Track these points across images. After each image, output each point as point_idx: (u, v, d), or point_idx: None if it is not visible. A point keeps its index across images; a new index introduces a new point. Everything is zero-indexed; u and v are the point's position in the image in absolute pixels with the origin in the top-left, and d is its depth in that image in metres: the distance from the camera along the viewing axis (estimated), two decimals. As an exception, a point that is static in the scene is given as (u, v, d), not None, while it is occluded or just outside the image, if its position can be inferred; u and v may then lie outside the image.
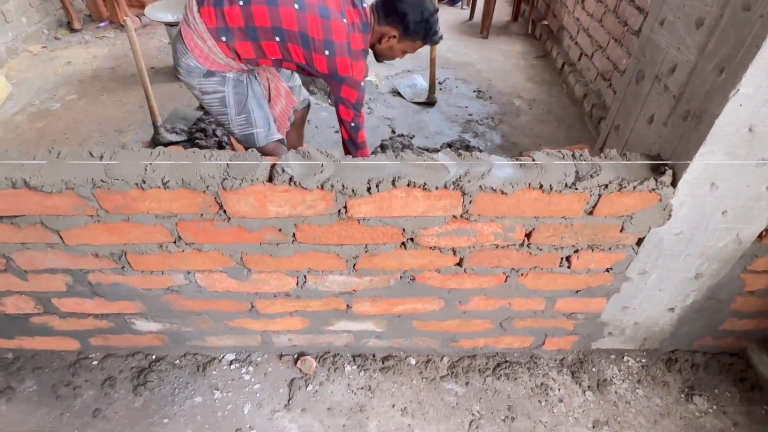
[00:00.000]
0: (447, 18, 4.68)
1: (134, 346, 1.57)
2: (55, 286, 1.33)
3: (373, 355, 1.60)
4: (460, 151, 1.13)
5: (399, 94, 3.28)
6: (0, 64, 3.39)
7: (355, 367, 1.57)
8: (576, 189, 1.07)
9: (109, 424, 1.41)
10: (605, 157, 1.13)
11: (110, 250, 1.22)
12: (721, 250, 1.25)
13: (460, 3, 5.01)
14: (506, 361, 1.60)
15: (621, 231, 1.18)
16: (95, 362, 1.57)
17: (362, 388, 1.51)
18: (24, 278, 1.30)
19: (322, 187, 1.06)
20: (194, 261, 1.25)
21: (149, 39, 4.03)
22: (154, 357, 1.58)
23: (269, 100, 1.89)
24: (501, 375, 1.56)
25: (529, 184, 1.07)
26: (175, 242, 1.20)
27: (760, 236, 1.23)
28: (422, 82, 3.40)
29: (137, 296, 1.37)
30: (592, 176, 1.07)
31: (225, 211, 1.12)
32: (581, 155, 1.12)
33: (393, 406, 1.48)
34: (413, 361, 1.60)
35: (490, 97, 3.32)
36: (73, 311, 1.42)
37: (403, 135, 2.78)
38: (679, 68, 1.07)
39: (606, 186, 1.07)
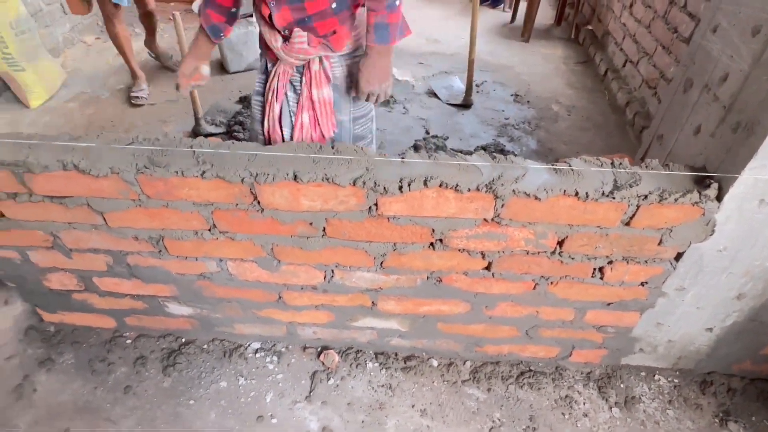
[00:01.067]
0: (488, 20, 4.63)
1: (166, 328, 1.63)
2: (96, 265, 1.39)
3: (396, 354, 1.60)
4: (494, 154, 1.11)
5: (435, 95, 3.27)
6: (57, 53, 3.57)
7: (376, 364, 1.58)
8: (613, 198, 1.04)
9: (139, 401, 1.47)
10: (646, 167, 1.09)
11: (149, 234, 1.27)
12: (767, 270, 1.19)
13: (503, 5, 4.95)
14: (530, 370, 1.57)
15: (659, 244, 1.14)
16: (129, 341, 1.63)
17: (383, 386, 1.52)
18: (69, 256, 1.37)
19: (354, 184, 1.07)
20: (227, 249, 1.29)
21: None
22: (183, 340, 1.63)
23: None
24: (524, 384, 1.53)
25: (565, 191, 1.04)
26: (210, 230, 1.24)
27: (811, 258, 1.16)
28: (459, 84, 3.37)
29: (171, 280, 1.42)
30: (631, 186, 1.03)
31: (259, 203, 1.14)
32: (620, 164, 1.09)
33: (413, 406, 1.47)
34: (435, 363, 1.59)
35: (528, 101, 3.26)
36: (112, 290, 1.49)
37: (437, 136, 2.77)
38: (731, 77, 1.03)
39: (646, 197, 1.03)
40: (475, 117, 3.05)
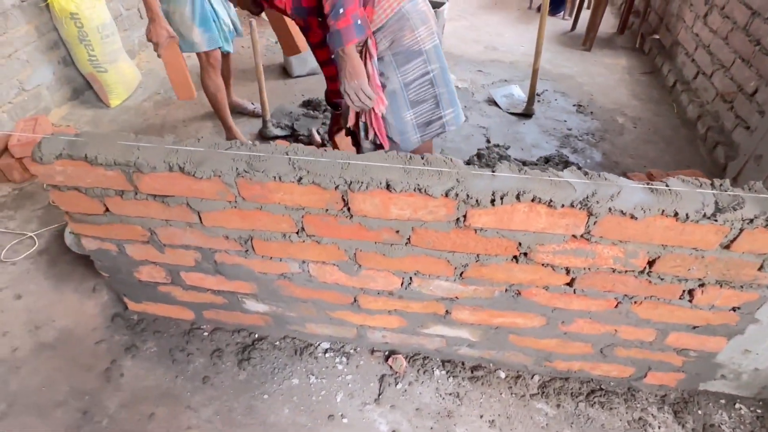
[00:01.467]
0: (547, 28, 4.53)
1: (240, 323, 1.70)
2: (185, 260, 1.48)
3: (463, 363, 1.61)
4: (585, 170, 1.11)
5: (495, 104, 3.25)
6: (133, 55, 3.79)
7: (444, 372, 1.59)
8: (715, 221, 1.02)
9: (217, 392, 1.54)
10: (749, 189, 1.06)
11: (239, 234, 1.34)
12: None
13: (563, 13, 4.85)
14: (601, 389, 1.54)
15: (759, 269, 1.10)
16: (206, 333, 1.71)
17: (450, 394, 1.53)
18: (161, 251, 1.46)
19: (446, 195, 1.09)
20: (311, 252, 1.34)
21: (259, 38, 4.30)
22: (256, 336, 1.70)
23: None
24: (595, 402, 1.51)
25: (663, 211, 1.03)
26: (297, 233, 1.29)
27: None
28: (519, 93, 3.34)
29: (253, 278, 1.48)
30: (734, 209, 1.00)
31: (349, 209, 1.18)
32: (721, 185, 1.06)
33: (481, 416, 1.48)
34: (503, 375, 1.58)
35: (591, 112, 3.19)
36: (196, 285, 1.57)
37: (498, 145, 2.75)
38: None
39: (751, 221, 1.00)
40: (537, 127, 3.01)
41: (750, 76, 2.51)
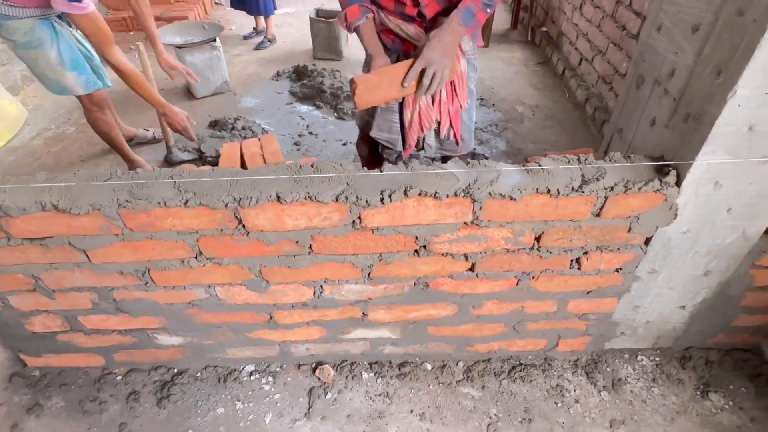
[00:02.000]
0: (447, 28, 4.75)
1: (156, 360, 1.61)
2: (81, 303, 1.38)
3: (390, 362, 1.63)
4: (467, 159, 1.17)
5: (403, 105, 3.33)
6: (16, 91, 3.49)
7: (372, 374, 1.60)
8: (583, 192, 1.11)
9: (136, 437, 1.45)
10: (610, 160, 1.16)
11: (134, 267, 1.27)
12: (728, 247, 1.27)
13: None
14: (521, 364, 1.62)
15: (629, 231, 1.21)
16: (119, 377, 1.61)
17: (380, 395, 1.54)
18: (51, 297, 1.35)
19: (337, 200, 1.10)
20: (214, 275, 1.30)
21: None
22: (176, 370, 1.62)
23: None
24: (516, 378, 1.58)
25: (537, 189, 1.10)
26: (196, 257, 1.25)
27: (766, 232, 1.25)
28: (426, 93, 3.45)
29: (160, 311, 1.41)
30: (597, 179, 1.10)
31: (244, 226, 1.16)
32: (586, 159, 1.16)
33: (411, 411, 1.50)
34: (429, 367, 1.62)
35: (494, 104, 3.37)
36: (98, 328, 1.47)
37: (409, 145, 2.82)
38: (678, 72, 1.11)
39: (612, 188, 1.10)
40: (444, 123, 3.12)
41: (622, 58, 2.77)
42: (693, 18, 1.05)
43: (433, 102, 1.56)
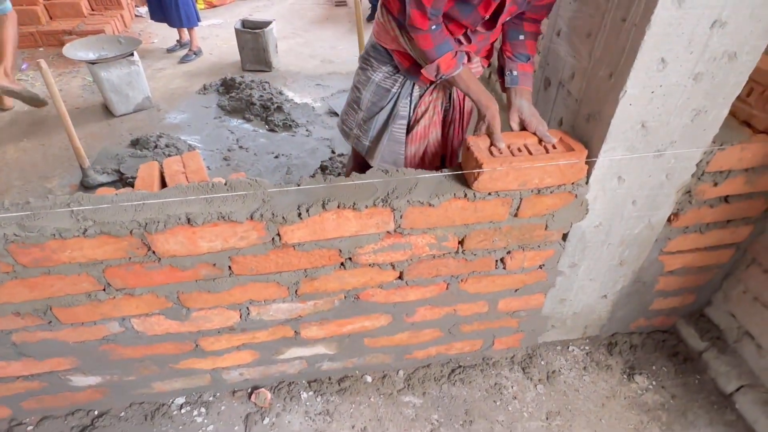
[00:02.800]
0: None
1: (73, 404, 1.48)
2: (-26, 351, 1.24)
3: (329, 378, 1.59)
4: (386, 168, 1.16)
5: (336, 114, 3.32)
6: None
7: (311, 393, 1.55)
8: (498, 195, 1.13)
9: (50, 493, 1.31)
10: (522, 162, 1.20)
11: (33, 306, 1.15)
12: (637, 237, 1.34)
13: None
14: (460, 366, 1.63)
15: (546, 229, 1.25)
16: (30, 427, 1.46)
17: (320, 414, 1.50)
18: (-63, 348, 1.20)
19: (252, 218, 1.06)
20: (128, 306, 1.20)
21: (72, 78, 3.86)
22: (96, 412, 1.49)
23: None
24: (456, 381, 1.59)
25: (455, 194, 1.11)
26: (104, 289, 1.15)
27: (669, 220, 1.34)
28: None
29: (70, 351, 1.29)
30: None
31: (154, 252, 1.09)
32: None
33: (353, 427, 1.47)
34: (369, 379, 1.60)
35: (425, 109, 3.42)
36: (-1, 376, 1.33)
37: (343, 154, 2.80)
38: (577, 75, 1.16)
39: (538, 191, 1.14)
40: (377, 131, 3.13)
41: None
42: (585, 23, 1.11)
43: (442, 138, 1.55)
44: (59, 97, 2.26)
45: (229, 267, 1.16)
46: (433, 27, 1.19)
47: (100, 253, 1.07)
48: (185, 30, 4.34)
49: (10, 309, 1.15)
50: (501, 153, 1.13)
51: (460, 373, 1.61)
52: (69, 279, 1.11)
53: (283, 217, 1.06)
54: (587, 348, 1.70)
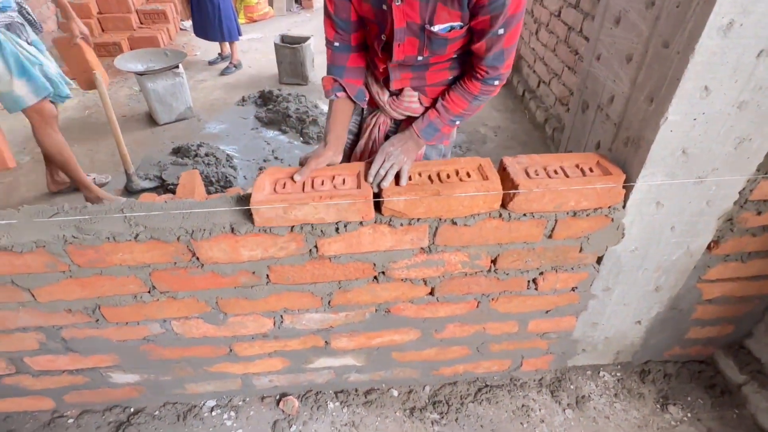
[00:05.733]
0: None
1: (111, 400, 1.54)
2: (27, 344, 1.31)
3: (356, 390, 1.60)
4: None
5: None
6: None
7: (338, 403, 1.57)
8: (533, 216, 1.14)
9: (87, 485, 1.37)
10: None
11: (84, 304, 1.22)
12: (675, 263, 1.32)
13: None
14: (487, 386, 1.62)
15: (580, 251, 1.24)
16: (71, 420, 1.53)
17: (346, 425, 1.51)
18: (-6, 339, 1.28)
19: (292, 230, 1.10)
20: (169, 309, 1.26)
21: (120, 88, 4.07)
22: (132, 410, 1.55)
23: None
24: (482, 400, 1.58)
25: (489, 214, 1.13)
26: (149, 292, 1.21)
27: (709, 247, 1.31)
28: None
29: (113, 348, 1.36)
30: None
31: (198, 258, 1.14)
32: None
33: (377, 440, 1.48)
34: (396, 393, 1.61)
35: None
36: (47, 369, 1.40)
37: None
38: (617, 99, 1.17)
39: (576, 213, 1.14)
40: (409, 146, 3.17)
41: (576, 81, 2.89)
42: (626, 48, 1.12)
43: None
44: (111, 106, 2.39)
45: (267, 275, 1.20)
46: (336, 44, 1.22)
47: (149, 257, 1.13)
48: (226, 44, 4.52)
49: (63, 306, 1.22)
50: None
51: (486, 393, 1.60)
52: (118, 280, 1.17)
53: (322, 231, 1.10)
54: (619, 374, 1.66)
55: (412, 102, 1.31)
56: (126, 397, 1.53)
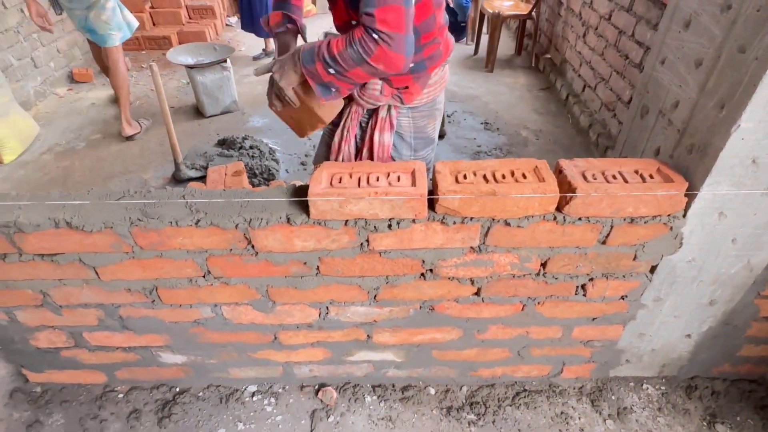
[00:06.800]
0: (452, 54, 4.84)
1: (159, 378, 1.61)
2: (87, 320, 1.38)
3: (393, 385, 1.62)
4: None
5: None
6: (28, 107, 3.56)
7: (375, 397, 1.59)
8: (588, 220, 1.12)
9: (135, 457, 1.43)
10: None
11: (142, 285, 1.28)
12: (733, 277, 1.27)
13: (465, 39, 5.19)
14: (525, 390, 1.61)
15: (634, 259, 1.22)
16: (121, 395, 1.60)
17: (383, 419, 1.53)
18: (58, 313, 1.36)
19: (346, 224, 1.12)
20: (221, 294, 1.30)
21: (169, 80, 4.22)
22: (177, 389, 1.61)
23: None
24: (520, 404, 1.57)
25: (543, 216, 1.12)
26: (204, 276, 1.26)
27: (771, 262, 1.26)
28: (431, 116, 3.50)
29: (165, 329, 1.41)
30: (603, 208, 1.11)
31: (253, 246, 1.17)
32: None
33: (414, 436, 1.49)
34: (432, 391, 1.61)
35: (498, 128, 3.41)
36: (102, 344, 1.47)
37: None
38: (682, 104, 1.14)
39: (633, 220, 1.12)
40: (449, 146, 3.16)
41: (624, 86, 2.82)
42: (696, 53, 1.08)
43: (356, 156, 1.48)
44: (165, 98, 2.48)
45: (317, 267, 1.23)
46: None
47: (207, 243, 1.17)
48: (271, 40, 4.61)
49: (123, 285, 1.28)
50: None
51: (524, 397, 1.58)
52: (176, 263, 1.22)
53: (375, 226, 1.12)
54: (663, 388, 1.62)
55: (375, 90, 1.34)
56: (173, 376, 1.59)
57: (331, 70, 1.14)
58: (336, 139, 1.48)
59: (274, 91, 1.28)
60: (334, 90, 1.20)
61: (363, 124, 1.45)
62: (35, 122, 3.32)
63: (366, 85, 1.34)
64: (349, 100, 1.44)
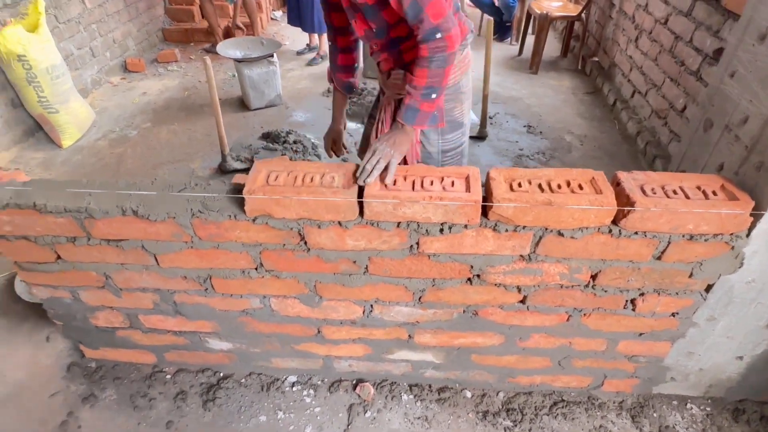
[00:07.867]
0: (496, 54, 4.77)
1: (205, 362, 1.67)
2: (143, 303, 1.46)
3: (429, 386, 1.63)
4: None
5: (450, 128, 3.36)
6: (85, 94, 3.73)
7: (411, 396, 1.61)
8: (645, 235, 1.10)
9: (181, 437, 1.50)
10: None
11: (198, 274, 1.34)
12: (795, 301, 1.22)
13: (509, 39, 5.11)
14: (563, 400, 1.59)
15: (690, 277, 1.19)
16: (168, 376, 1.68)
17: (419, 418, 1.55)
18: (118, 295, 1.43)
19: (398, 225, 1.13)
20: (271, 287, 1.35)
21: (216, 73, 4.32)
22: (222, 375, 1.67)
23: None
24: (558, 414, 1.56)
25: (598, 228, 1.10)
26: (256, 269, 1.30)
27: (837, 288, 1.20)
28: (472, 117, 3.47)
29: (214, 316, 1.47)
30: (661, 223, 1.09)
31: (306, 243, 1.21)
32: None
33: (449, 438, 1.50)
34: (469, 395, 1.62)
35: (541, 132, 3.35)
36: (155, 327, 1.54)
37: (454, 168, 2.84)
38: (752, 120, 1.10)
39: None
40: (491, 148, 3.14)
41: (678, 94, 2.72)
42: (771, 68, 1.04)
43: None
44: (215, 89, 2.56)
45: (366, 266, 1.25)
46: (330, 44, 1.59)
47: (262, 237, 1.21)
48: (315, 35, 4.67)
49: (180, 273, 1.34)
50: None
51: (562, 408, 1.57)
52: (231, 255, 1.27)
53: (426, 230, 1.13)
54: (708, 409, 1.57)
55: (397, 80, 1.42)
56: (218, 362, 1.65)
57: (434, 95, 1.25)
58: (372, 131, 1.59)
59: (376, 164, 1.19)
60: (436, 111, 1.37)
61: (395, 114, 1.46)
62: (92, 109, 3.48)
63: (391, 78, 1.43)
64: (381, 92, 1.56)
